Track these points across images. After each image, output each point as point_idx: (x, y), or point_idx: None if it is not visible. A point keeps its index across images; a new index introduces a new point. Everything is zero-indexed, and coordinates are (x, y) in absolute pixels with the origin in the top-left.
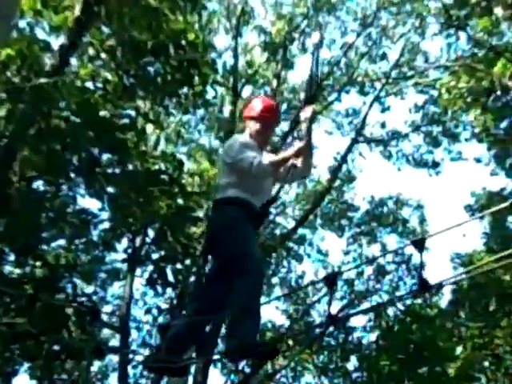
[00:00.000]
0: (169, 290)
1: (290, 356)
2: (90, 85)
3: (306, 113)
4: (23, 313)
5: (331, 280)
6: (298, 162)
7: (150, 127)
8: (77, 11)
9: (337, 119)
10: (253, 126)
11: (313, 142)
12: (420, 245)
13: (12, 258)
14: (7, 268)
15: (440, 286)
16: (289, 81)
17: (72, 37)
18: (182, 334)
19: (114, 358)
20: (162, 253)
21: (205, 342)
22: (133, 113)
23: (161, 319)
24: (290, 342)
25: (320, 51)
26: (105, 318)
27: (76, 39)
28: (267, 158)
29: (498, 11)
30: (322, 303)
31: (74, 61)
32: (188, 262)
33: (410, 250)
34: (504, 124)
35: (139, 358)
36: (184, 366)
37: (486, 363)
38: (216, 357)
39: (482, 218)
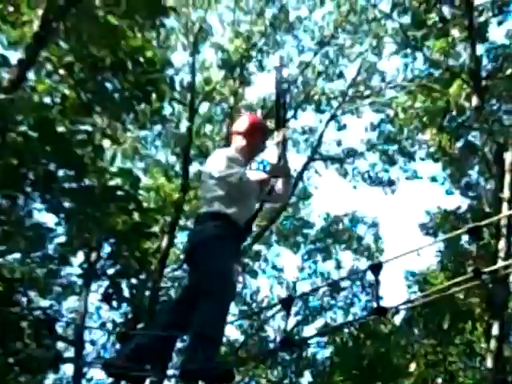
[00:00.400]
0: (124, 305)
1: (244, 371)
2: (47, 100)
3: (278, 138)
4: None
5: (288, 303)
6: (278, 186)
7: (106, 142)
8: (35, 27)
9: (293, 136)
10: (239, 142)
11: (289, 167)
12: (377, 270)
13: None
14: None
15: (396, 310)
16: (246, 98)
17: (30, 52)
18: (147, 345)
19: (68, 372)
20: (118, 267)
21: (166, 357)
22: (90, 128)
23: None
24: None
25: (283, 76)
26: (59, 331)
27: (34, 55)
28: (252, 174)
29: (455, 33)
30: (276, 319)
31: (31, 75)
32: (143, 276)
33: (365, 266)
34: (459, 144)
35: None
36: (142, 376)
37: (440, 380)
38: (170, 372)
39: (435, 236)
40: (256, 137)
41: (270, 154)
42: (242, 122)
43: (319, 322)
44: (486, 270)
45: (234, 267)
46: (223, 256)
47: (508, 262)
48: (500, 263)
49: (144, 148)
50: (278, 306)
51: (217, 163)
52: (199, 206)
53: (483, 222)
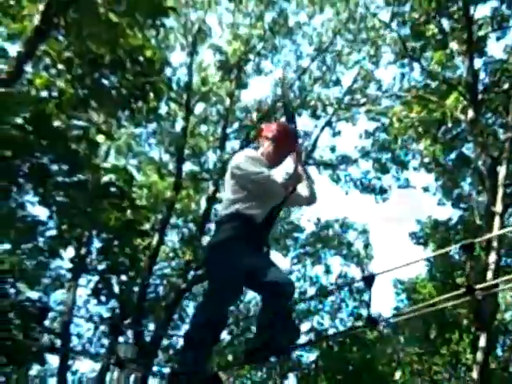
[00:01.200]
0: (112, 300)
1: (229, 371)
2: (44, 94)
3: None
4: None
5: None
6: (302, 190)
7: (101, 138)
8: (36, 21)
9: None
10: (267, 147)
11: (308, 174)
12: (369, 281)
13: None
14: None
15: (387, 321)
16: (242, 100)
17: (29, 45)
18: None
19: (53, 364)
20: (108, 263)
21: None
22: (86, 124)
23: (102, 328)
24: (230, 358)
25: (287, 88)
26: (46, 323)
27: (33, 48)
28: (278, 178)
29: (453, 45)
30: None
31: (28, 69)
32: (133, 273)
33: (354, 272)
34: (453, 155)
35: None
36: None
37: None
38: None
39: (426, 245)
40: (283, 144)
41: (287, 164)
42: (272, 129)
43: (305, 326)
44: (479, 286)
45: (246, 266)
46: (231, 258)
47: (501, 279)
48: (492, 279)
49: (138, 145)
50: None
51: (242, 163)
52: (188, 206)
53: (478, 239)
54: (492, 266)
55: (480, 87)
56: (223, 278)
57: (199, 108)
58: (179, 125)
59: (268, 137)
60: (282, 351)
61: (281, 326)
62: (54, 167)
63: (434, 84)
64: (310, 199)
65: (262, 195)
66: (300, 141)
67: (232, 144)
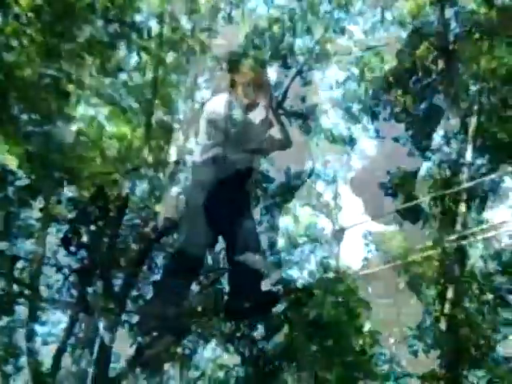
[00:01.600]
0: (82, 250)
1: (196, 321)
2: (14, 43)
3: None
4: None
5: None
6: (276, 135)
7: (71, 87)
8: None
9: None
10: (239, 92)
11: (279, 119)
12: (339, 235)
13: None
14: None
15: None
16: (213, 49)
17: None
18: None
19: (21, 315)
20: (78, 213)
21: None
22: (56, 73)
23: (72, 278)
24: (199, 309)
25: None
26: (16, 274)
27: None
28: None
29: None
30: None
31: None
32: (102, 223)
33: (323, 223)
34: (423, 105)
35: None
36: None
37: (392, 340)
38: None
39: (395, 196)
40: (255, 89)
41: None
42: (243, 73)
43: (274, 277)
44: (448, 238)
45: (222, 212)
46: (211, 202)
47: (469, 231)
48: (461, 231)
49: (108, 95)
50: None
51: (217, 107)
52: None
53: (448, 191)
54: (460, 218)
55: (451, 37)
56: (200, 222)
57: (170, 57)
58: (150, 74)
59: (240, 81)
60: (259, 311)
61: (253, 286)
62: (25, 117)
63: (404, 34)
64: (285, 143)
65: (241, 139)
66: (271, 86)
67: (203, 94)
